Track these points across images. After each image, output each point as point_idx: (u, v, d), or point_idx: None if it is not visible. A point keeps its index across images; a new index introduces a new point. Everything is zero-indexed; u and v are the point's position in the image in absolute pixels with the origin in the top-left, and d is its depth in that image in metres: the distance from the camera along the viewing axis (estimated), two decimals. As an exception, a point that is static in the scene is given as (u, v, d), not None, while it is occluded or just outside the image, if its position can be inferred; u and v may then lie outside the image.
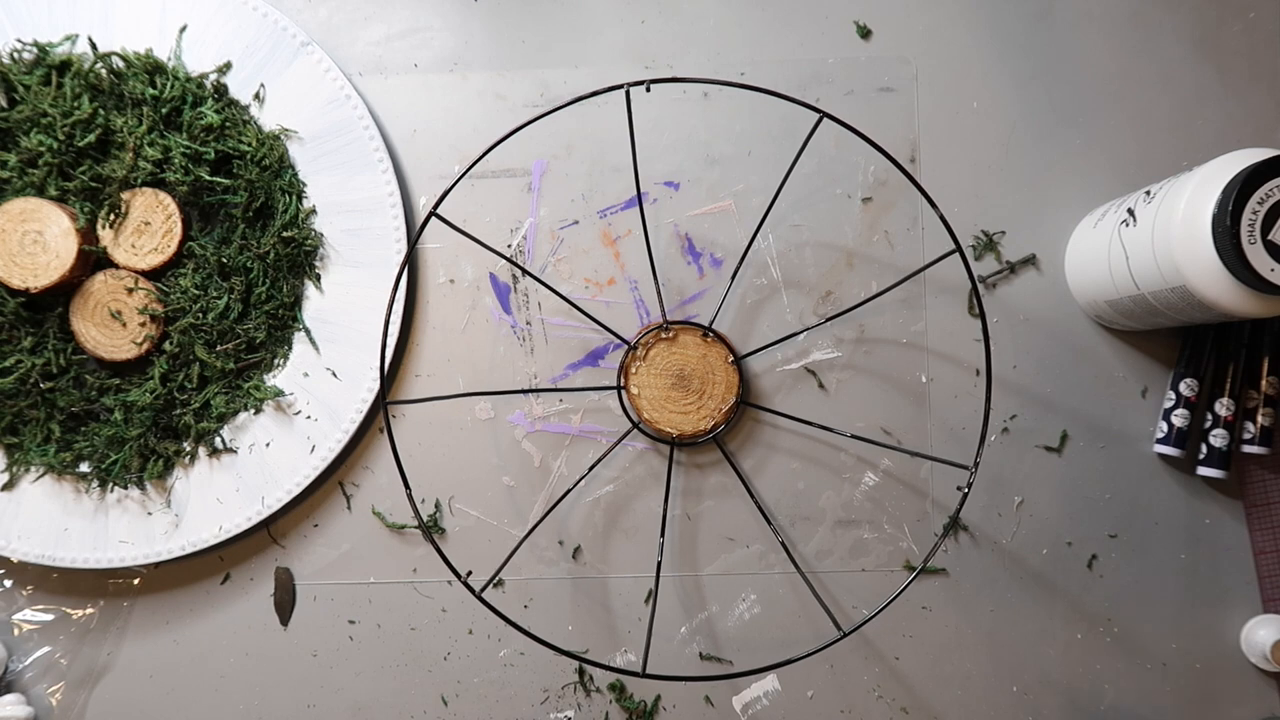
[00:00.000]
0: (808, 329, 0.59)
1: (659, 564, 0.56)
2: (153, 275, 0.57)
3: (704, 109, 0.60)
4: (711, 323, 0.58)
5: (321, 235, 0.59)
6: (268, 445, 0.58)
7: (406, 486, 0.53)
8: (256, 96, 0.59)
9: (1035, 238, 0.60)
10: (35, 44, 0.58)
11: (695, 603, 0.59)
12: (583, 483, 0.59)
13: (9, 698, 0.58)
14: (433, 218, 0.54)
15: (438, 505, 0.60)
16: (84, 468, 0.58)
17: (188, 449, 0.58)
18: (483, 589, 0.54)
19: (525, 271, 0.59)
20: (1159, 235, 0.49)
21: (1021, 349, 0.59)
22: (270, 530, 0.60)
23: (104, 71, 0.58)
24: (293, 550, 0.60)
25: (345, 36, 0.61)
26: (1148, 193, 0.52)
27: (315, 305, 0.59)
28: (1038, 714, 0.58)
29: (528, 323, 0.60)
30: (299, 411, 0.58)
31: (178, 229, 0.57)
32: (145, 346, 0.57)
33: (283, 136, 0.59)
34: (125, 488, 0.58)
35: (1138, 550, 0.59)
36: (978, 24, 0.60)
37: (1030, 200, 0.60)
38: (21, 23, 0.58)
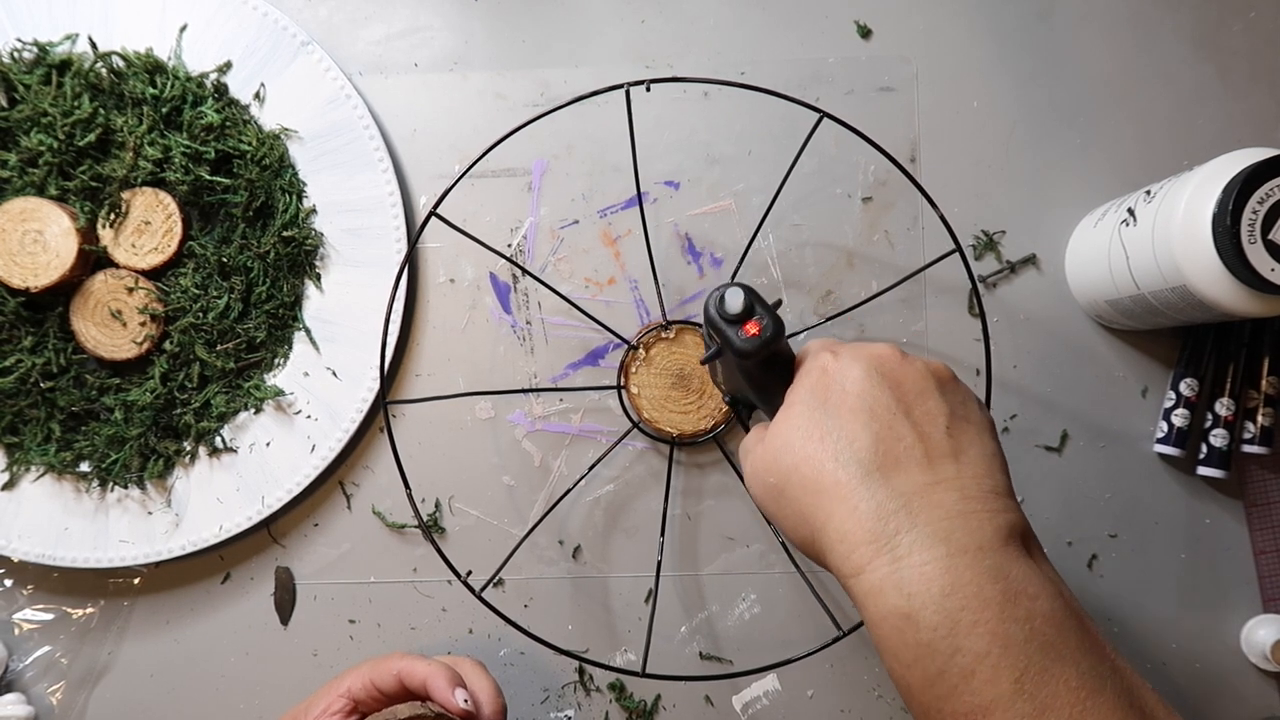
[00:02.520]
0: (808, 329, 0.59)
1: (659, 564, 0.56)
2: (153, 275, 0.57)
3: (704, 108, 0.60)
4: (712, 322, 0.58)
5: (322, 235, 0.59)
6: (268, 445, 0.58)
7: (406, 486, 0.53)
8: (257, 96, 0.59)
9: (1035, 237, 0.60)
10: (35, 43, 0.58)
11: (695, 602, 0.59)
12: (583, 482, 0.59)
13: (9, 697, 0.58)
14: (433, 217, 0.54)
15: (438, 505, 0.60)
16: (84, 467, 0.58)
17: (188, 448, 0.58)
18: (483, 588, 0.54)
19: (525, 271, 0.60)
20: (1159, 235, 0.49)
21: (1021, 349, 0.59)
22: (270, 530, 0.60)
23: (104, 71, 0.58)
24: (293, 550, 0.60)
25: (345, 36, 0.61)
26: (1148, 192, 0.52)
27: (315, 304, 0.59)
28: (1038, 714, 0.58)
29: (528, 322, 0.60)
30: (299, 411, 0.58)
31: (178, 228, 0.57)
32: (145, 346, 0.57)
33: (283, 136, 0.59)
34: (125, 487, 0.58)
35: (1138, 550, 0.59)
36: (978, 24, 0.60)
37: (1030, 200, 0.60)
38: (21, 22, 0.58)
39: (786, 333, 0.58)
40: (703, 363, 0.44)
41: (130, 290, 0.57)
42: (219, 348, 0.58)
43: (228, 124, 0.58)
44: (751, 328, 0.40)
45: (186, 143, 0.57)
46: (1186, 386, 0.57)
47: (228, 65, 0.59)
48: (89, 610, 0.60)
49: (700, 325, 0.58)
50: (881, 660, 0.34)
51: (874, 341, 0.40)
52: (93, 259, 0.57)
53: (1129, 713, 0.32)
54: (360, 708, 0.48)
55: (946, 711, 0.32)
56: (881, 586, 0.33)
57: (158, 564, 0.60)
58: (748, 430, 0.46)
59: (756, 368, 0.41)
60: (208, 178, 0.57)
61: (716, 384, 0.48)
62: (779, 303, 0.44)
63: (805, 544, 0.38)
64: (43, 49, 0.58)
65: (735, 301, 0.40)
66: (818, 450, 0.36)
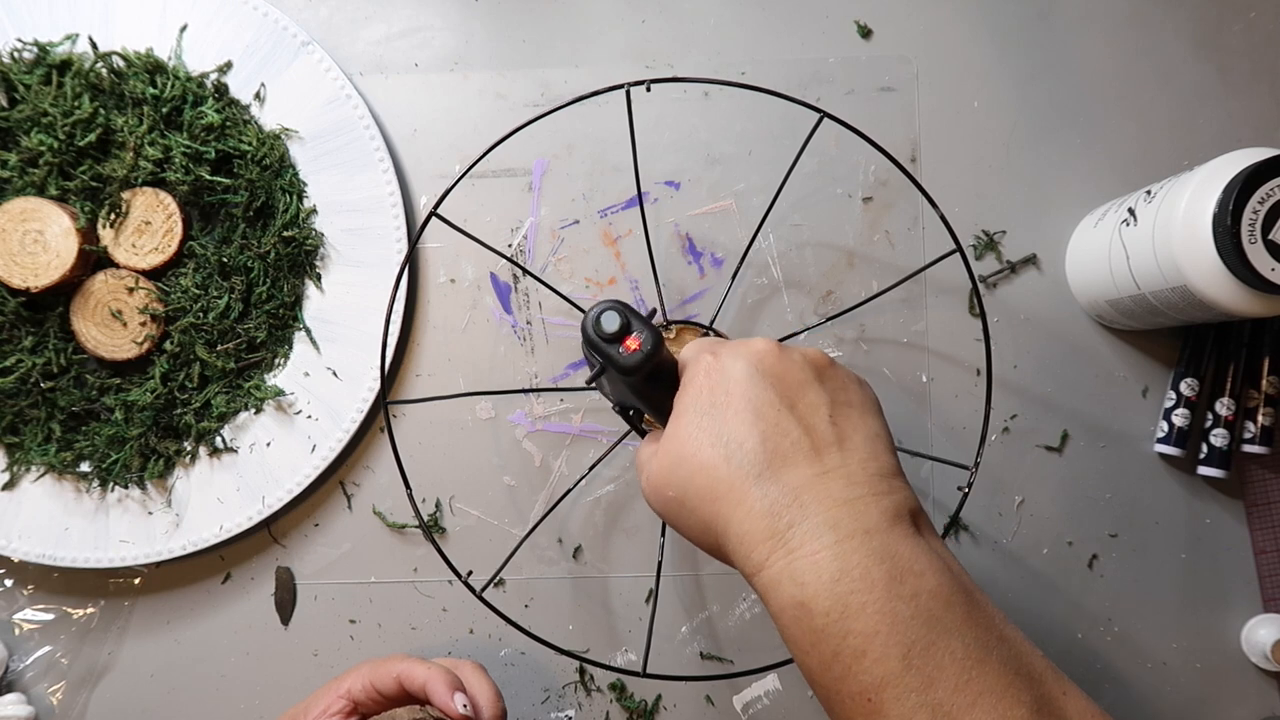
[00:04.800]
0: (808, 329, 0.59)
1: (659, 564, 0.56)
2: (153, 275, 0.57)
3: (704, 109, 0.60)
4: (712, 322, 0.58)
5: (322, 235, 0.59)
6: (268, 445, 0.58)
7: (407, 486, 0.53)
8: (257, 96, 0.59)
9: (1036, 237, 0.60)
10: (35, 43, 0.58)
11: (696, 602, 0.59)
12: (583, 482, 0.59)
13: (10, 697, 0.58)
14: (433, 217, 0.54)
15: (438, 505, 0.60)
16: (85, 467, 0.58)
17: (188, 448, 0.58)
18: (483, 588, 0.54)
19: (526, 271, 0.60)
20: (1160, 235, 0.49)
21: (1022, 349, 0.59)
22: (271, 530, 0.60)
23: (104, 71, 0.58)
24: (293, 550, 0.60)
25: (346, 36, 0.61)
26: (1148, 192, 0.52)
27: (316, 305, 0.59)
28: (1038, 713, 0.58)
29: (528, 322, 0.60)
30: (300, 411, 0.58)
31: (178, 228, 0.57)
32: (146, 346, 0.57)
33: (283, 136, 0.59)
34: (126, 487, 0.58)
35: (1138, 550, 0.59)
36: (978, 24, 0.61)
37: (1031, 200, 0.60)
38: (22, 22, 0.58)
39: (788, 333, 0.58)
40: (587, 383, 0.44)
41: (130, 290, 0.57)
42: (219, 348, 0.58)
43: (228, 124, 0.58)
44: (631, 343, 0.40)
45: (187, 143, 0.57)
46: (1187, 386, 0.57)
47: (228, 65, 0.59)
48: (89, 610, 0.60)
49: (702, 326, 0.58)
50: (789, 650, 0.35)
51: (751, 338, 0.40)
52: (93, 259, 0.57)
53: (1015, 678, 0.33)
54: (360, 709, 0.48)
55: (844, 692, 0.33)
56: (778, 579, 0.35)
57: (158, 564, 0.60)
58: (642, 435, 0.46)
59: (642, 381, 0.42)
60: (208, 178, 0.57)
61: (605, 396, 0.49)
62: (654, 313, 0.44)
63: (712, 550, 0.39)
64: (43, 49, 0.58)
65: (611, 321, 0.41)
66: (710, 457, 0.37)
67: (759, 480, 0.36)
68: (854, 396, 0.39)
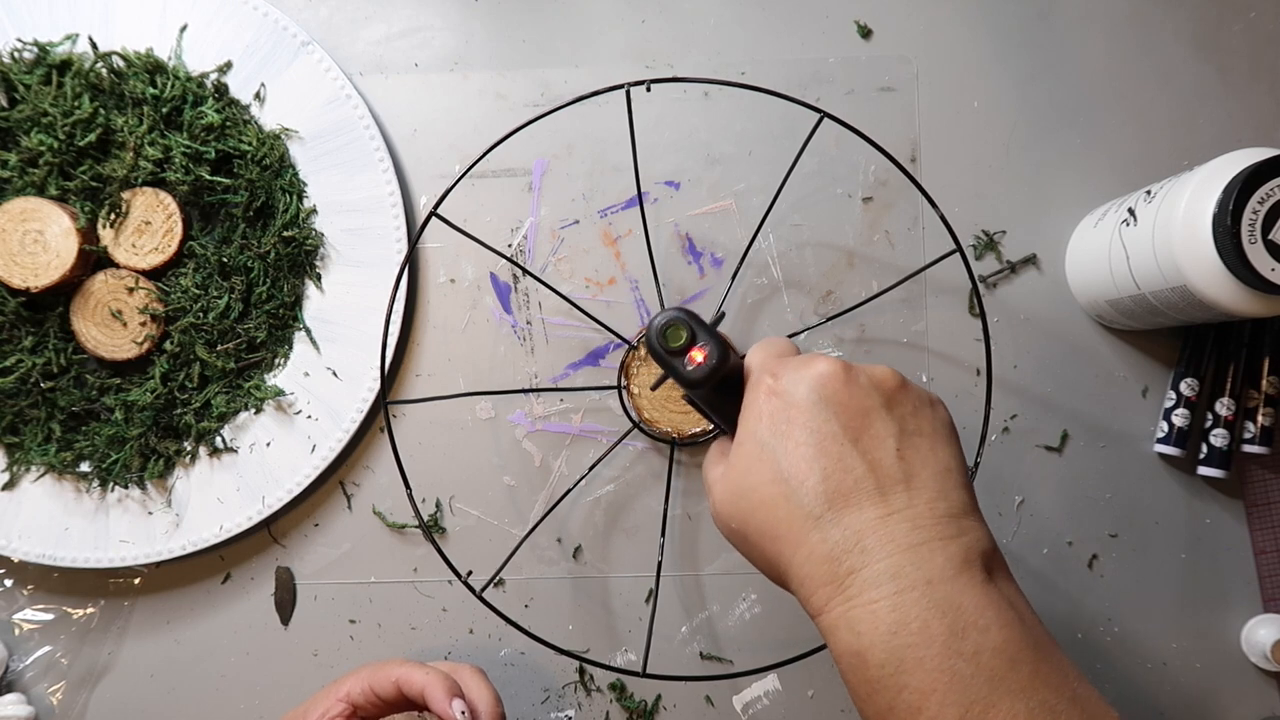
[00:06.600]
0: (808, 329, 0.59)
1: (659, 563, 0.56)
2: (153, 275, 0.57)
3: (704, 109, 0.60)
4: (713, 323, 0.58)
5: (322, 235, 0.59)
6: (268, 445, 0.58)
7: (407, 486, 0.53)
8: (257, 96, 0.59)
9: (1036, 237, 0.60)
10: (35, 43, 0.58)
11: (696, 602, 0.59)
12: (583, 482, 0.59)
13: (10, 697, 0.58)
14: (433, 217, 0.54)
15: (438, 505, 0.60)
16: (85, 467, 0.58)
17: (188, 448, 0.58)
18: (483, 589, 0.54)
19: (526, 271, 0.60)
20: (1160, 235, 0.49)
21: (1022, 349, 0.59)
22: (271, 530, 0.60)
23: (104, 71, 0.58)
24: (293, 550, 0.60)
25: (346, 36, 0.61)
26: (1148, 192, 0.52)
27: (316, 305, 0.59)
28: (1038, 713, 0.58)
29: (528, 322, 0.60)
30: (299, 411, 0.58)
31: (178, 228, 0.57)
32: (146, 346, 0.57)
33: (283, 136, 0.59)
34: (126, 487, 0.58)
35: (1138, 550, 0.59)
36: (978, 24, 0.61)
37: (1031, 200, 0.60)
38: (22, 22, 0.58)
39: (788, 333, 0.58)
40: (653, 389, 0.43)
41: (130, 290, 0.57)
42: (219, 348, 0.58)
43: (228, 124, 0.58)
44: (697, 355, 0.39)
45: (187, 143, 0.57)
46: (1187, 386, 0.57)
47: (228, 65, 0.59)
48: (89, 610, 0.60)
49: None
50: (848, 694, 0.35)
51: (816, 356, 0.38)
52: (93, 259, 0.57)
53: None
54: (358, 713, 0.48)
55: None
56: (836, 625, 0.34)
57: (158, 564, 0.60)
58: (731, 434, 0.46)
59: (709, 393, 0.40)
60: (208, 178, 0.57)
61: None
62: (720, 318, 0.43)
63: (777, 582, 0.38)
64: (43, 49, 0.58)
65: (675, 333, 0.39)
66: (770, 493, 0.36)
67: (819, 522, 0.35)
68: (924, 424, 0.37)
